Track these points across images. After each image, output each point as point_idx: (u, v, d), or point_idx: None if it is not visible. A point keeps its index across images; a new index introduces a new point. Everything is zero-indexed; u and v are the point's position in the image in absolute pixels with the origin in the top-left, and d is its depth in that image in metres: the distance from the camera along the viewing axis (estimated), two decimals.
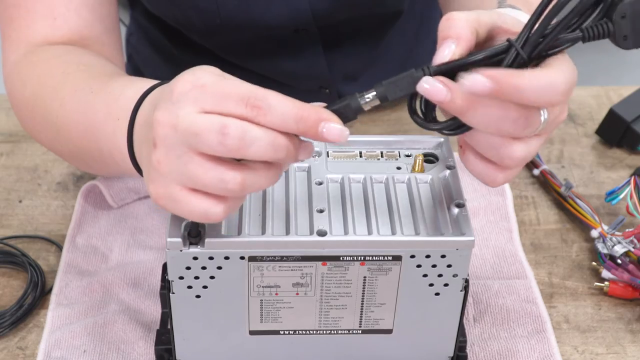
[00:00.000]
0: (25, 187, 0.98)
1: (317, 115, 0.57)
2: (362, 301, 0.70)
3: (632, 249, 0.86)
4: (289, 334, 0.72)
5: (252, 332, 0.71)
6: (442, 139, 0.75)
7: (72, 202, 0.96)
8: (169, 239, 0.65)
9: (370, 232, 0.67)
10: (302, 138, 0.59)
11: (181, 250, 0.65)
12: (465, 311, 0.78)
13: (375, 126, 1.08)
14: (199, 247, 0.65)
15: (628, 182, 0.89)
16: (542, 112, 0.59)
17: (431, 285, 0.69)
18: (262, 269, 0.67)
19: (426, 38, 1.14)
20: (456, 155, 0.74)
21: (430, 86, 0.57)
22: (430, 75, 0.58)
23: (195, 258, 0.66)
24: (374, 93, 0.59)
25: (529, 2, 0.69)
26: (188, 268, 0.66)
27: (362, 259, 0.67)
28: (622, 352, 0.81)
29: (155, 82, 0.69)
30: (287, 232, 0.67)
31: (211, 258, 0.66)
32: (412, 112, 0.61)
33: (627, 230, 0.89)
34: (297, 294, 0.69)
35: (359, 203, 0.70)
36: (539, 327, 0.82)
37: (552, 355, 0.80)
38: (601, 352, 0.81)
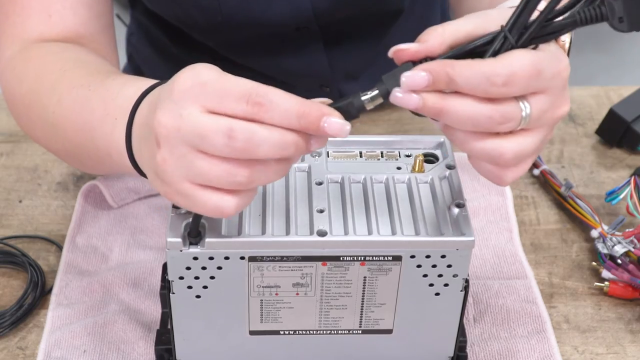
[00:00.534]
0: (25, 187, 0.98)
1: (319, 111, 0.57)
2: (362, 301, 0.70)
3: (632, 249, 0.86)
4: (289, 334, 0.72)
5: (252, 332, 0.71)
6: (442, 139, 0.75)
7: (72, 202, 0.96)
8: (169, 239, 0.65)
9: (370, 232, 0.67)
10: None
11: (181, 250, 0.65)
12: (465, 311, 0.78)
13: (375, 126, 1.08)
14: (199, 247, 0.65)
15: (628, 182, 0.89)
16: (522, 105, 0.58)
17: (431, 285, 0.69)
18: (262, 269, 0.67)
19: None
20: (456, 155, 0.74)
21: (403, 95, 0.57)
22: None
23: (195, 258, 0.66)
24: (377, 91, 0.59)
25: None
26: (188, 268, 0.66)
27: (362, 259, 0.67)
28: (622, 352, 0.81)
29: (154, 81, 0.69)
30: (287, 232, 0.67)
31: (211, 258, 0.66)
32: None
33: (627, 230, 0.89)
34: (297, 294, 0.69)
35: (359, 203, 0.70)
36: (539, 327, 0.82)
37: (552, 355, 0.80)
38: (601, 352, 0.81)
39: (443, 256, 0.67)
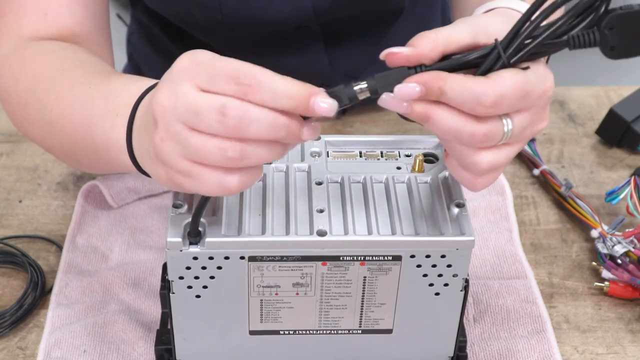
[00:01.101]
0: (25, 187, 0.98)
1: (308, 91, 0.57)
2: (362, 301, 0.70)
3: (632, 249, 0.86)
4: (289, 334, 0.72)
5: (252, 332, 0.71)
6: None
7: (72, 202, 0.96)
8: (169, 239, 0.65)
9: (370, 232, 0.67)
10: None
11: (181, 250, 0.65)
12: (465, 311, 0.78)
13: (375, 126, 1.08)
14: (199, 247, 0.65)
15: (628, 182, 0.89)
16: (505, 122, 0.59)
17: (431, 285, 0.69)
18: (262, 269, 0.67)
19: None
20: None
21: (392, 100, 0.58)
22: None
23: (195, 258, 0.66)
24: (365, 85, 0.59)
25: None
26: (188, 268, 0.66)
27: (362, 259, 0.67)
28: (622, 352, 0.81)
29: (156, 81, 0.69)
30: (287, 232, 0.67)
31: (211, 258, 0.66)
32: None
33: (627, 230, 0.89)
34: (297, 294, 0.69)
35: (358, 203, 0.70)
36: (539, 327, 0.82)
37: (552, 355, 0.80)
38: (601, 352, 0.81)
39: (443, 256, 0.67)
